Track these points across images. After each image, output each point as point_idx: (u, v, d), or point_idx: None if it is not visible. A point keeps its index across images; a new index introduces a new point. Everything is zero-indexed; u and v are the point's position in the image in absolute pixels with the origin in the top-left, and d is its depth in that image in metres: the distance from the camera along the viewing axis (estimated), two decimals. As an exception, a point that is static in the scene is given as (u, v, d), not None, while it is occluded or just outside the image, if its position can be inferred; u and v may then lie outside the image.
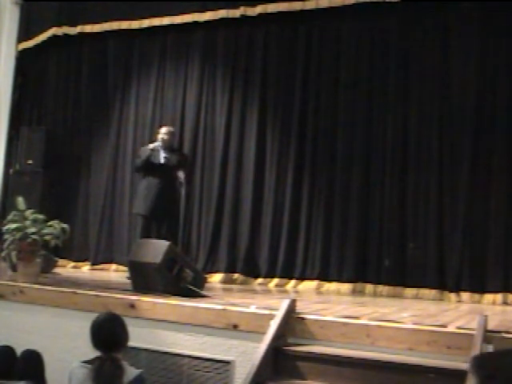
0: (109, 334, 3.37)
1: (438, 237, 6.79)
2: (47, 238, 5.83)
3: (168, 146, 7.48)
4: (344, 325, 4.15)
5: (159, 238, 6.73)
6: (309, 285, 7.23)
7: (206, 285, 5.79)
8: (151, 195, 7.24)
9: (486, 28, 6.83)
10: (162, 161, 7.34)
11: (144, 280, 5.29)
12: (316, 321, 4.24)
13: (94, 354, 3.34)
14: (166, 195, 7.31)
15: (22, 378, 3.90)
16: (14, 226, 5.81)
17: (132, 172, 8.38)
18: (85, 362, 3.31)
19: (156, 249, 5.33)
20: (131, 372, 3.29)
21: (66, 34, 9.16)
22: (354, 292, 6.97)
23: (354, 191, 7.22)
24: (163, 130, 7.59)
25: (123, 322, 3.48)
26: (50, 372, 4.13)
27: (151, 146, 7.40)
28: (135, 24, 8.60)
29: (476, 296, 6.51)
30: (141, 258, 5.39)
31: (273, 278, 7.45)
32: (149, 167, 7.37)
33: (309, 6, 7.50)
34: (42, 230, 5.81)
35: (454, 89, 6.92)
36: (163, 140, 7.44)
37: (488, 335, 3.78)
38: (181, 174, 7.44)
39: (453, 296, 6.59)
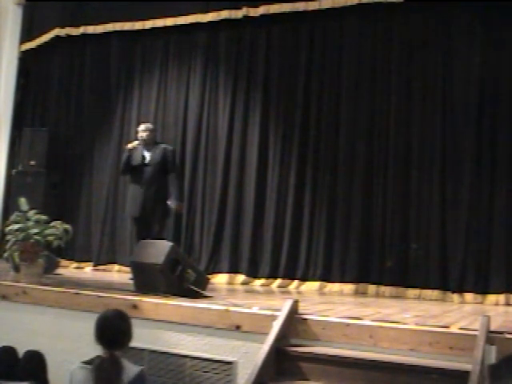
0: (114, 329, 3.33)
1: (441, 237, 6.78)
2: (50, 238, 5.84)
3: (149, 144, 6.94)
4: (346, 325, 4.15)
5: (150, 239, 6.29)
6: (311, 285, 7.23)
7: (209, 285, 5.79)
8: (138, 197, 6.85)
9: (489, 28, 6.82)
10: (146, 160, 6.86)
11: (146, 280, 5.29)
12: (318, 321, 4.24)
13: (96, 354, 3.34)
14: (152, 195, 6.82)
15: (25, 378, 3.91)
16: (16, 226, 5.82)
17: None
18: (85, 362, 3.30)
19: (158, 249, 5.32)
20: (132, 370, 3.27)
21: (68, 35, 9.19)
22: (356, 293, 6.96)
23: (357, 192, 7.22)
24: (141, 127, 7.06)
25: (130, 321, 3.44)
26: (52, 373, 4.14)
27: (129, 146, 6.97)
28: (138, 25, 8.62)
29: (479, 297, 6.49)
30: (143, 259, 5.39)
31: (275, 278, 7.45)
32: (132, 169, 6.97)
33: (311, 6, 7.51)
34: (44, 230, 5.82)
35: (457, 88, 6.90)
36: (142, 138, 6.95)
37: (491, 336, 3.78)
38: (172, 178, 6.90)
39: (455, 297, 6.58)
